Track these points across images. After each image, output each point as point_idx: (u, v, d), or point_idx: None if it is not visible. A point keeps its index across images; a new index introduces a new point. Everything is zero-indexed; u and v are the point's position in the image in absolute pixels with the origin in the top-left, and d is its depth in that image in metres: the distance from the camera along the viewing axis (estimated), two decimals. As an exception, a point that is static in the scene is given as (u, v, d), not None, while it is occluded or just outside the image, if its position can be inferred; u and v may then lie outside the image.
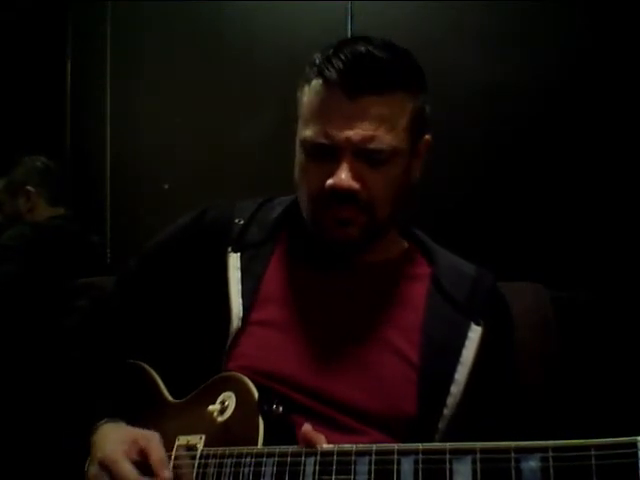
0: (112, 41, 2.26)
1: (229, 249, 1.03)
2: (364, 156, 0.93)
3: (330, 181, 0.93)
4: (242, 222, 1.06)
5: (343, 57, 0.92)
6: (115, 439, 0.88)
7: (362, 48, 0.92)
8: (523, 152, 1.71)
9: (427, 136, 1.04)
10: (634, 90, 1.60)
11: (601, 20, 1.65)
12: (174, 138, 2.16)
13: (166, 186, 2.16)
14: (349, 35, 1.91)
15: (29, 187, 2.15)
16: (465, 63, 1.77)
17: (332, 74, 0.92)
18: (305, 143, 0.96)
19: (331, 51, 0.94)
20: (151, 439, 0.86)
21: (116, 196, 2.28)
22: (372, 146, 0.92)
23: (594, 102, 1.64)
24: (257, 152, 1.99)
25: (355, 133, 0.92)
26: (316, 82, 0.95)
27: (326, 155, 0.94)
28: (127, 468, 0.82)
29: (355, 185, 0.93)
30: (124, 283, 1.13)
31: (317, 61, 0.96)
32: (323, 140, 0.93)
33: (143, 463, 0.84)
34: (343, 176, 0.92)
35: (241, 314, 0.98)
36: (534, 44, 1.71)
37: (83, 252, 2.06)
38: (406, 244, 1.10)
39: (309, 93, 0.96)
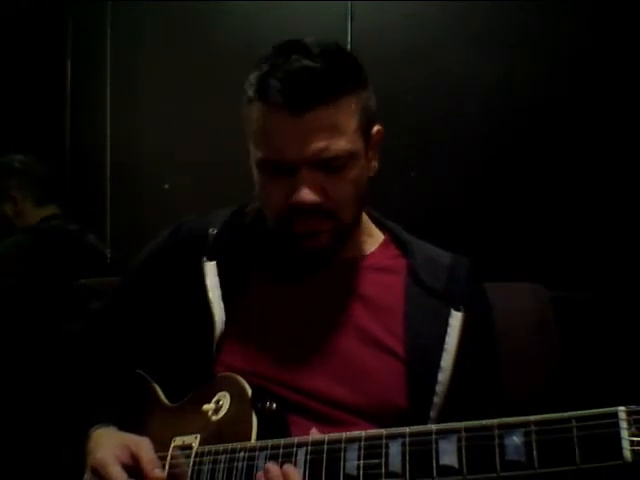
0: (112, 41, 2.26)
1: (204, 258, 1.04)
2: (321, 166, 0.93)
3: (292, 199, 0.93)
4: (215, 231, 1.07)
5: (280, 75, 0.90)
6: (107, 445, 0.89)
7: (296, 63, 0.90)
8: (523, 152, 1.71)
9: (377, 127, 1.02)
10: (634, 90, 1.60)
11: (601, 20, 1.65)
12: (174, 138, 2.16)
13: (166, 186, 2.16)
14: (349, 35, 1.91)
15: (13, 193, 2.10)
16: (465, 63, 1.77)
17: (272, 96, 0.91)
18: (259, 163, 0.96)
19: (265, 70, 0.93)
20: (141, 443, 0.88)
21: (116, 196, 2.28)
22: (326, 155, 0.91)
23: (594, 102, 1.64)
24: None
25: (307, 149, 0.91)
26: (258, 104, 0.94)
27: (283, 171, 0.94)
28: (117, 471, 0.84)
29: (317, 198, 0.93)
30: (112, 299, 1.15)
31: (254, 81, 0.94)
32: (276, 157, 0.93)
33: (135, 467, 0.85)
34: (304, 192, 0.92)
35: (224, 317, 0.98)
36: (534, 44, 1.71)
37: (81, 253, 2.06)
38: (382, 236, 1.11)
39: (254, 114, 0.95)
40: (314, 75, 0.90)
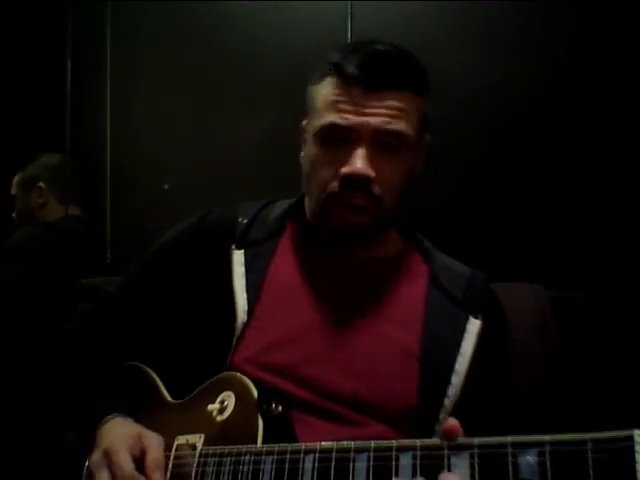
0: (112, 41, 2.26)
1: (233, 246, 1.05)
2: (380, 142, 0.97)
3: (346, 168, 0.96)
4: (245, 221, 1.08)
5: (362, 54, 0.97)
6: (122, 432, 0.90)
7: (380, 47, 0.98)
8: (523, 152, 1.71)
9: (427, 137, 1.08)
10: (634, 91, 1.60)
11: (601, 20, 1.65)
12: (174, 138, 2.16)
13: (166, 186, 2.16)
14: (349, 35, 1.91)
15: (41, 183, 2.18)
16: (465, 63, 1.77)
17: (351, 70, 0.96)
18: (321, 131, 0.99)
19: (350, 48, 1.00)
20: (153, 440, 0.88)
21: (116, 196, 2.28)
22: (390, 127, 0.96)
23: (594, 102, 1.64)
24: (257, 152, 1.99)
25: (374, 118, 0.96)
26: (332, 78, 0.99)
27: (341, 142, 0.97)
28: (126, 460, 0.84)
29: (371, 172, 0.97)
30: (129, 284, 1.15)
31: (335, 58, 1.00)
32: (342, 122, 0.96)
33: (142, 461, 0.85)
34: (359, 164, 0.96)
35: (246, 307, 0.99)
36: (534, 44, 1.71)
37: (90, 256, 2.07)
38: (403, 243, 1.12)
39: (326, 88, 1.00)
40: (393, 60, 0.98)
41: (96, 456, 0.87)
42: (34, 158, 2.26)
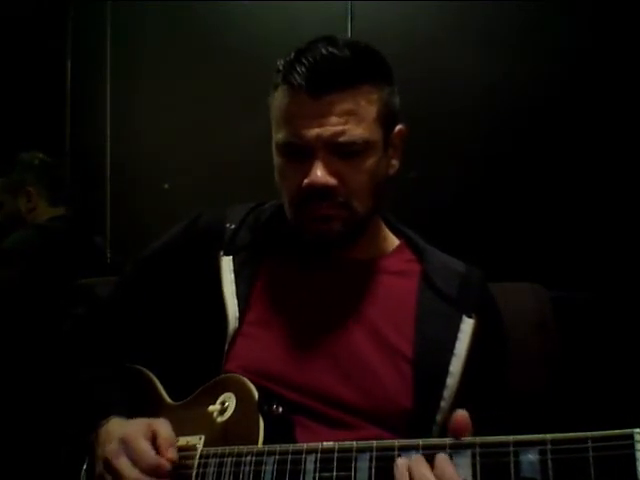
0: (112, 41, 2.26)
1: (221, 253, 1.04)
2: (337, 151, 0.94)
3: (306, 180, 0.95)
4: (233, 226, 1.08)
5: (304, 61, 0.94)
6: (133, 423, 0.90)
7: (322, 50, 0.94)
8: (523, 152, 1.71)
9: (400, 126, 1.04)
10: (634, 90, 1.60)
11: (601, 20, 1.65)
12: (174, 138, 2.16)
13: (166, 186, 2.16)
14: (349, 35, 1.91)
15: (29, 188, 2.14)
16: (465, 63, 1.77)
17: (295, 78, 0.94)
18: (279, 146, 0.98)
19: (293, 56, 0.97)
20: (162, 424, 0.88)
21: (116, 196, 2.28)
22: (343, 139, 0.94)
23: (594, 102, 1.64)
24: (256, 152, 1.99)
25: (324, 130, 0.93)
26: (282, 88, 0.97)
27: (300, 155, 0.96)
28: (146, 445, 0.84)
29: (331, 181, 0.95)
30: (121, 288, 1.15)
31: (281, 67, 0.98)
32: (294, 140, 0.95)
33: (153, 445, 0.85)
34: (318, 173, 0.94)
35: (237, 314, 0.99)
36: (534, 44, 1.71)
37: (87, 254, 2.06)
38: (397, 241, 1.11)
39: (277, 98, 0.99)
40: (335, 60, 0.94)
41: (113, 445, 0.86)
42: (15, 161, 2.19)
